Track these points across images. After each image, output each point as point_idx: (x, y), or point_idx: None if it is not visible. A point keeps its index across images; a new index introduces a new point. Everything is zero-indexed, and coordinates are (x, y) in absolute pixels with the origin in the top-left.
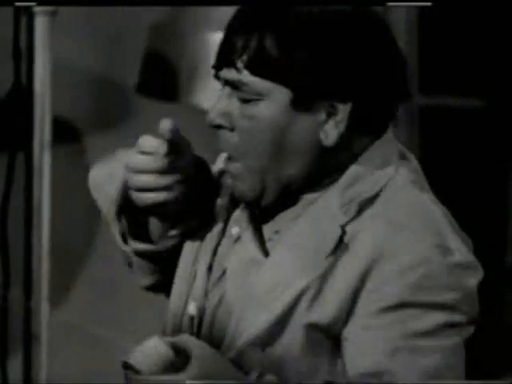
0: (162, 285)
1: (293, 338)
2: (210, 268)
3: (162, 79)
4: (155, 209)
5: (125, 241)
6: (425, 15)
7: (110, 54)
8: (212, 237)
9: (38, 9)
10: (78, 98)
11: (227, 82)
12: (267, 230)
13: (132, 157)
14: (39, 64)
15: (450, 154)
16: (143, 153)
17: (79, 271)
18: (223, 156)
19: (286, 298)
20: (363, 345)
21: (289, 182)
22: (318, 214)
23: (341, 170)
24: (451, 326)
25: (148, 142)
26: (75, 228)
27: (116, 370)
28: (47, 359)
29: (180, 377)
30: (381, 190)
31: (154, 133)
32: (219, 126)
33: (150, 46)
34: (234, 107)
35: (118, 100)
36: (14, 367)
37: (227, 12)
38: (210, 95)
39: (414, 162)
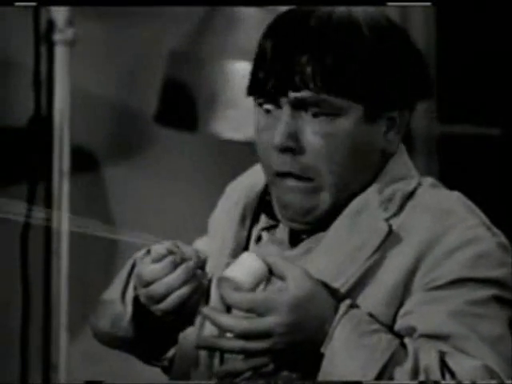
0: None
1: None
2: None
3: (181, 108)
4: (181, 308)
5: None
6: (443, 46)
7: (129, 84)
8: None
9: (57, 38)
10: (96, 127)
11: (297, 102)
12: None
13: (146, 269)
14: (58, 94)
15: (470, 182)
16: (154, 262)
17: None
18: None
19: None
20: (425, 314)
21: (349, 197)
22: (356, 213)
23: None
24: (501, 300)
25: (154, 252)
26: (94, 257)
27: None
28: None
29: (283, 297)
30: (416, 188)
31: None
32: (287, 149)
33: (169, 76)
34: (303, 127)
35: (137, 129)
36: None
37: (246, 40)
38: (229, 125)
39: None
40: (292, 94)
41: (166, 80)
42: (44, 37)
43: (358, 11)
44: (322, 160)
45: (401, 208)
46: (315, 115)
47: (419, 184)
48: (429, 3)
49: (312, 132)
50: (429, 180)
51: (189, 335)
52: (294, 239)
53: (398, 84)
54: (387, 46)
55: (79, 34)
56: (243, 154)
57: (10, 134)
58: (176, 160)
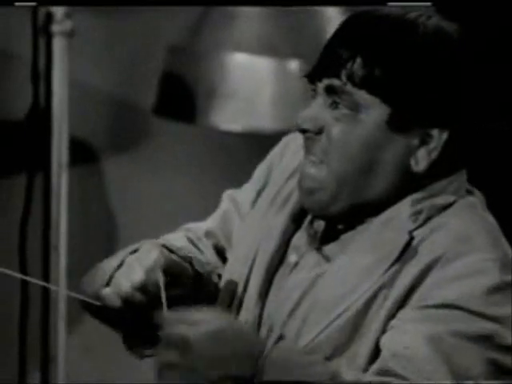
0: None
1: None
2: (261, 296)
3: (179, 101)
4: None
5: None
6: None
7: (128, 76)
8: (268, 264)
9: (55, 30)
10: (95, 119)
11: (327, 90)
12: (331, 250)
13: None
14: (57, 85)
15: (479, 177)
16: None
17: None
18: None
19: (351, 303)
20: (404, 331)
21: (364, 203)
22: (385, 223)
23: None
24: (493, 339)
25: None
26: (92, 248)
27: None
28: (64, 380)
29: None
30: (449, 206)
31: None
32: (305, 131)
33: (168, 68)
34: (326, 114)
35: (135, 121)
36: None
37: (244, 33)
38: (227, 117)
39: (480, 198)
40: (325, 81)
41: (165, 72)
42: (42, 28)
43: (421, 19)
44: (334, 146)
45: (427, 220)
46: (338, 105)
47: (455, 201)
48: (429, 3)
49: (332, 117)
50: (470, 199)
51: None
52: (328, 233)
53: (439, 101)
54: (437, 58)
55: (77, 26)
56: (241, 146)
57: (8, 126)
58: (175, 152)
